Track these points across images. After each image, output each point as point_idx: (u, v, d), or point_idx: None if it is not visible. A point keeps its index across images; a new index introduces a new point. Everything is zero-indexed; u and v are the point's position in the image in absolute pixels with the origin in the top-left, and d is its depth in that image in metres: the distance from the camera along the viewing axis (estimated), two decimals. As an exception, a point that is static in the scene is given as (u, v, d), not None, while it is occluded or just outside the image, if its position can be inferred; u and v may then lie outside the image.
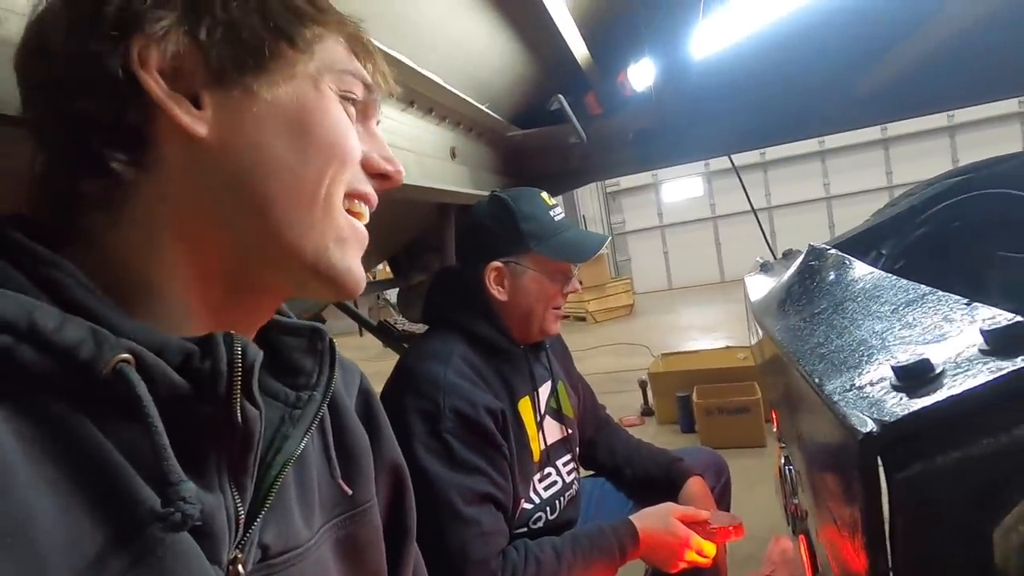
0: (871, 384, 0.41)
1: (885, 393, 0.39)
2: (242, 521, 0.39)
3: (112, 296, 0.36)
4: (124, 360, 0.32)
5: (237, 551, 0.38)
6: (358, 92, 0.45)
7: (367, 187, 0.45)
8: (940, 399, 0.34)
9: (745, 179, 2.23)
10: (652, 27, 1.09)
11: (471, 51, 1.34)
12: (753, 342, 1.23)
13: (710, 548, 1.07)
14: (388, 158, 0.46)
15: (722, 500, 1.33)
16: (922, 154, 9.40)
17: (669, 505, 1.12)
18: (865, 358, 0.46)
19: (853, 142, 9.89)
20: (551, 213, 1.12)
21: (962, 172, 1.27)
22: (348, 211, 0.44)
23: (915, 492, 0.35)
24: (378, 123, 0.49)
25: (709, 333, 5.93)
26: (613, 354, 5.54)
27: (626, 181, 11.57)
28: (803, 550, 1.00)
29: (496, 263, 1.10)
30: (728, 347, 3.87)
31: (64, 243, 0.37)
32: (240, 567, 0.38)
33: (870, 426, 0.36)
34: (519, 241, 1.09)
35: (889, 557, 0.36)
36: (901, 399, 0.37)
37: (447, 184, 1.38)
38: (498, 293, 1.10)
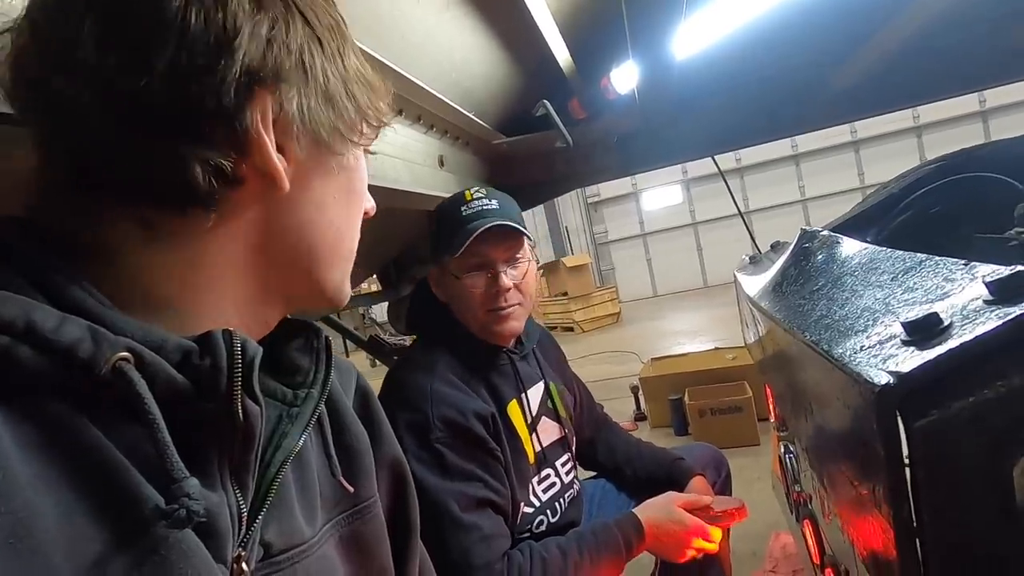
0: (880, 343, 0.42)
1: (896, 349, 0.40)
2: (245, 519, 0.39)
3: (122, 307, 0.35)
4: (123, 358, 0.32)
5: (240, 549, 0.38)
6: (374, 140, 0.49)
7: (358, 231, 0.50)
8: (952, 347, 0.35)
9: (724, 184, 2.28)
10: (635, 28, 1.11)
11: (457, 59, 1.36)
12: (750, 340, 1.24)
13: (716, 533, 1.08)
14: (368, 195, 0.51)
15: (723, 494, 1.33)
16: (892, 154, 9.67)
17: (671, 494, 1.12)
18: (871, 322, 0.47)
19: (825, 145, 10.16)
20: (462, 207, 1.07)
21: (935, 163, 1.32)
22: None
23: (934, 440, 0.35)
24: None
25: (696, 337, 5.98)
26: (603, 362, 5.55)
27: (607, 191, 11.71)
28: (808, 535, 1.01)
29: (432, 268, 1.14)
30: (717, 348, 3.91)
31: (76, 253, 0.36)
32: (244, 565, 0.38)
33: (886, 379, 0.37)
34: (435, 244, 1.11)
35: (912, 506, 0.37)
36: (913, 352, 0.38)
37: (436, 191, 1.38)
38: (441, 296, 1.12)
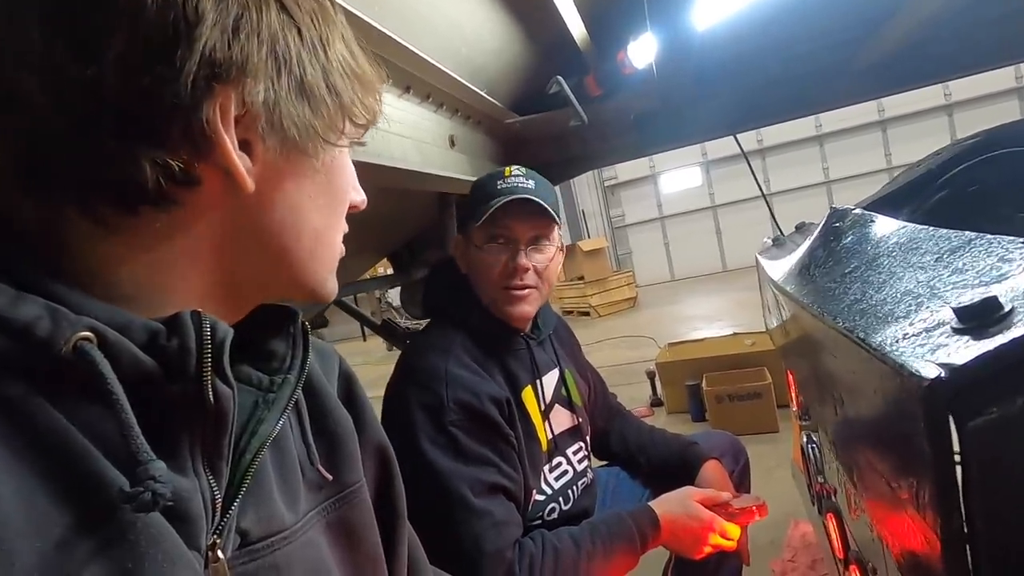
0: (927, 331, 0.38)
1: (946, 337, 0.35)
2: (219, 506, 0.37)
3: (83, 291, 0.34)
4: (84, 338, 0.31)
5: (215, 537, 0.37)
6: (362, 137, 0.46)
7: (345, 224, 0.47)
8: (1017, 335, 0.31)
9: (745, 166, 2.19)
10: (653, -2, 1.05)
11: (468, 34, 1.31)
12: (772, 324, 1.19)
13: (734, 530, 1.04)
14: (357, 187, 0.48)
15: (742, 483, 1.30)
16: (920, 134, 9.34)
17: (688, 489, 1.09)
18: (914, 307, 0.42)
19: (850, 125, 9.84)
20: (499, 181, 1.05)
21: (972, 138, 1.24)
22: None
23: (992, 442, 0.31)
24: None
25: (714, 322, 5.89)
26: (619, 347, 5.51)
27: (624, 174, 11.54)
28: (832, 528, 0.97)
29: (457, 235, 1.13)
30: (735, 334, 3.83)
31: (28, 245, 0.34)
32: (219, 552, 0.37)
33: (936, 372, 0.33)
34: (467, 212, 1.10)
35: (964, 515, 0.32)
36: (967, 342, 0.34)
37: (447, 172, 1.34)
38: (462, 267, 1.11)
